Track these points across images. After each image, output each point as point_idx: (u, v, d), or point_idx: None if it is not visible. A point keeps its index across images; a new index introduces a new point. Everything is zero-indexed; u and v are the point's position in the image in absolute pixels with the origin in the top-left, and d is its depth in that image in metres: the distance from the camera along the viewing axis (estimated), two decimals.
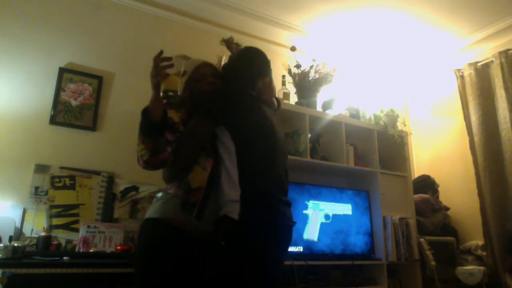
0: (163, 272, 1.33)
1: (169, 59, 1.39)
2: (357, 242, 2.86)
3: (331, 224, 2.78)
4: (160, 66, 1.37)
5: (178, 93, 1.45)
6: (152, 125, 1.38)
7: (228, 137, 1.51)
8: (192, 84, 1.66)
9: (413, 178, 3.48)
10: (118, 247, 2.22)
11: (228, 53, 2.68)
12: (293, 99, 3.01)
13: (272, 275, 1.51)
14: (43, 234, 2.15)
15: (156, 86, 1.38)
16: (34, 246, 2.13)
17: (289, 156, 2.62)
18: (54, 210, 2.32)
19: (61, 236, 2.28)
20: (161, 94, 1.40)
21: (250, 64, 1.76)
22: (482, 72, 3.42)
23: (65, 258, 1.95)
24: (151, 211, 1.47)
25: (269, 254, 1.48)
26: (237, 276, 1.40)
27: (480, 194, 3.24)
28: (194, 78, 1.67)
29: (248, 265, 1.41)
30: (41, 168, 2.35)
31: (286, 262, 2.39)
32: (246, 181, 1.46)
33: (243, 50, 1.94)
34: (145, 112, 1.38)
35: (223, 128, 1.53)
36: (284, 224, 1.54)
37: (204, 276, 1.40)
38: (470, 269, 2.98)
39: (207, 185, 1.43)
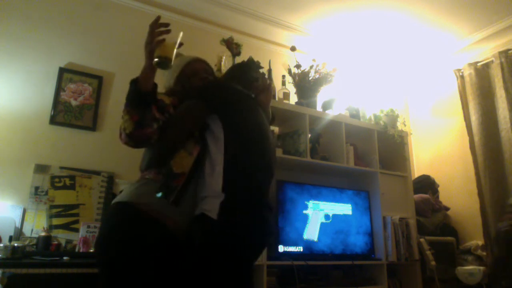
0: (133, 264, 1.23)
1: (167, 25, 1.31)
2: (357, 242, 2.86)
3: (331, 224, 2.78)
4: (156, 32, 1.29)
5: (172, 61, 1.33)
6: (141, 96, 1.28)
7: (219, 127, 1.43)
8: (184, 80, 1.60)
9: (413, 178, 3.48)
10: None
11: (228, 53, 2.69)
12: (293, 99, 3.01)
13: (241, 277, 1.45)
14: (43, 234, 2.15)
15: (149, 55, 1.30)
16: (34, 246, 2.13)
17: (289, 156, 2.66)
18: (54, 210, 2.32)
19: (61, 236, 2.28)
20: (154, 60, 1.30)
21: (246, 71, 1.77)
22: (482, 72, 3.41)
23: (65, 258, 1.95)
24: (122, 195, 1.35)
25: (243, 259, 1.43)
26: (206, 278, 1.32)
27: (480, 194, 3.24)
28: (186, 74, 1.60)
29: (219, 267, 1.33)
30: (41, 168, 2.35)
31: (286, 262, 2.42)
32: (235, 181, 1.38)
33: (239, 62, 1.99)
34: (135, 82, 1.31)
35: (215, 118, 1.45)
36: (264, 232, 1.48)
37: (173, 272, 1.30)
38: (470, 269, 2.98)
39: (190, 171, 1.33)
